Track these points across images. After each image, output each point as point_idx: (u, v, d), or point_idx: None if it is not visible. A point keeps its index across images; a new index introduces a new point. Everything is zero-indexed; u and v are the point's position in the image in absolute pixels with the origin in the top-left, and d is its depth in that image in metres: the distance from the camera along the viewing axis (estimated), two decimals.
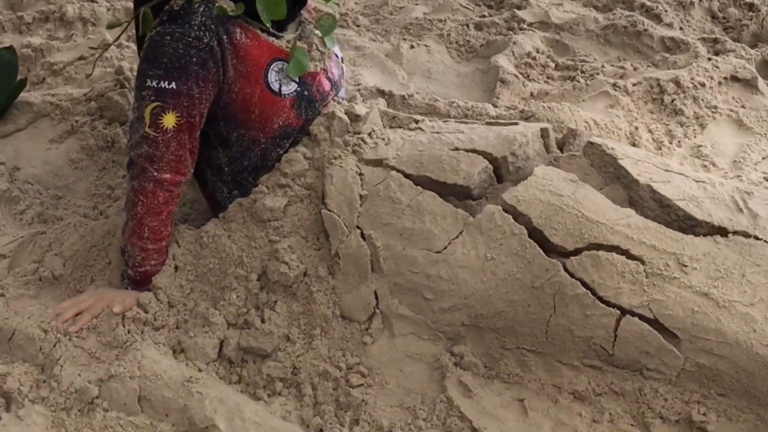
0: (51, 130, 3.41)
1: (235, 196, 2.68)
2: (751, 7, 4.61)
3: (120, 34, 2.67)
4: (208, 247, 2.57)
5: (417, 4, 4.83)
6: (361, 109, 2.76)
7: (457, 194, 2.53)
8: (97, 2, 4.57)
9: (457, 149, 2.57)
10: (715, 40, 4.28)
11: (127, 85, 3.49)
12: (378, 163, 2.60)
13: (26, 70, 3.90)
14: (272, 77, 2.54)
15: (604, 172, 2.60)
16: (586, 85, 3.82)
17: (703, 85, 3.70)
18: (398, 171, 2.55)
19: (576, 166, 2.62)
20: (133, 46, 3.97)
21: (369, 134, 2.65)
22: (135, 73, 2.53)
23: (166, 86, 2.38)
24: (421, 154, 2.59)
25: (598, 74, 3.92)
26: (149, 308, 2.48)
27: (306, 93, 2.64)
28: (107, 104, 3.43)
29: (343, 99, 2.88)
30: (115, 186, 3.13)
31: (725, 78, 3.80)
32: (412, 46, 4.23)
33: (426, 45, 4.29)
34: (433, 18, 4.56)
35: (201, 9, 2.41)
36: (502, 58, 3.96)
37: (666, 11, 4.54)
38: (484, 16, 4.62)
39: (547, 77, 4.01)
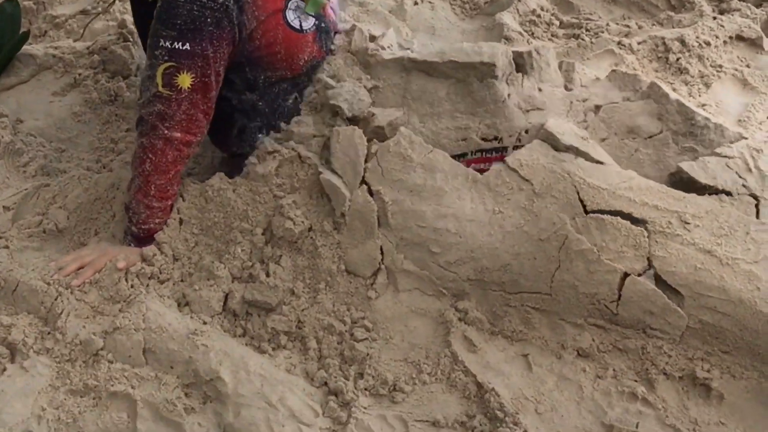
0: (54, 83, 3.39)
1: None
2: None
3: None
4: (213, 200, 2.56)
5: None
6: (377, 30, 2.78)
7: (482, 76, 2.57)
8: None
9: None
10: None
11: (131, 39, 3.48)
12: (399, 61, 2.64)
13: (28, 23, 3.88)
14: (291, 16, 2.56)
15: (633, 90, 2.63)
16: (591, 43, 3.79)
17: (708, 44, 3.67)
18: (420, 62, 2.61)
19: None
20: None
21: (388, 46, 2.66)
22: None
23: (180, 47, 2.38)
24: (442, 47, 2.63)
25: (602, 32, 3.90)
26: (154, 261, 2.48)
27: (323, 25, 2.68)
28: (110, 58, 3.41)
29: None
30: (119, 140, 3.12)
31: (730, 37, 3.77)
32: (416, 3, 4.20)
33: (430, 2, 4.25)
34: None
35: None
36: (506, 16, 3.94)
37: None
38: None
39: (552, 35, 3.98)
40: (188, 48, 2.38)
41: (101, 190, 2.70)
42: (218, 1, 2.38)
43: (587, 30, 3.95)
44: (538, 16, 4.07)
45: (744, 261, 2.26)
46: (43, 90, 3.36)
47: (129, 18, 3.65)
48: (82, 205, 2.68)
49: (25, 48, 3.46)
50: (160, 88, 2.41)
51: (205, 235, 2.55)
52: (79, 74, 3.40)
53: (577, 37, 3.91)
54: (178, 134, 2.45)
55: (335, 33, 2.77)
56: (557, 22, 4.07)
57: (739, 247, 2.29)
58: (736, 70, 3.60)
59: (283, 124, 2.65)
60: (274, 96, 2.63)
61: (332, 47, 2.74)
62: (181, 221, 2.57)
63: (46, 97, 3.33)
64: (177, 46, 2.38)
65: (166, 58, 2.39)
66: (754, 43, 3.79)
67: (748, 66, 3.67)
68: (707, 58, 3.63)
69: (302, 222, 2.49)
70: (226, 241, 2.53)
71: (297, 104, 2.67)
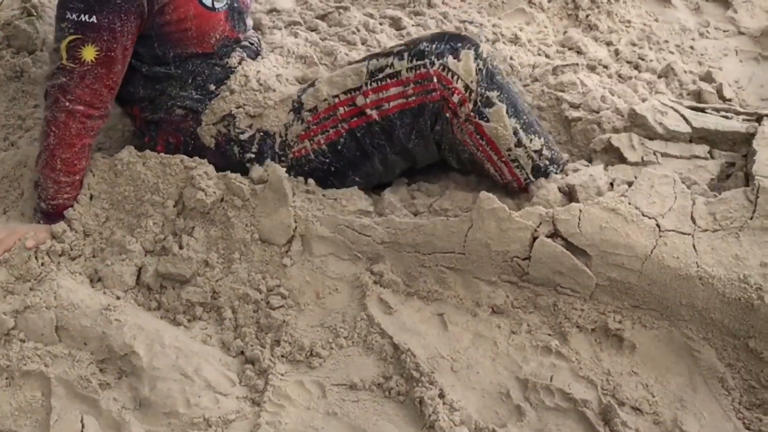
0: None
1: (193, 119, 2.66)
2: None
3: None
4: (123, 174, 2.54)
5: None
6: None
7: None
8: None
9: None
10: None
11: (34, 13, 3.41)
12: None
13: None
14: None
15: None
16: (503, 2, 3.81)
17: None
18: None
19: None
20: None
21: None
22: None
23: (86, 19, 2.36)
24: None
25: None
26: (64, 238, 2.45)
27: (236, 5, 2.67)
28: (14, 33, 3.35)
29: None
30: (26, 116, 3.07)
31: None
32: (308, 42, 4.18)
33: None
34: None
35: None
36: None
37: None
38: None
39: None
40: (95, 21, 2.36)
41: (8, 168, 2.67)
42: None
43: None
44: None
45: (649, 216, 2.29)
46: None
47: None
48: None
49: None
50: (64, 61, 2.39)
51: (116, 210, 2.53)
52: None
53: None
54: (81, 107, 2.43)
55: (247, 13, 2.77)
56: None
57: (644, 201, 2.32)
58: (645, 24, 3.63)
59: (212, 86, 2.65)
60: (185, 65, 2.61)
61: (244, 27, 2.73)
62: (91, 197, 2.54)
63: None
64: (83, 19, 2.36)
65: (71, 30, 2.37)
66: None
67: (656, 20, 3.71)
68: (616, 14, 3.67)
69: (214, 192, 2.48)
70: (137, 214, 2.51)
71: (222, 68, 2.67)
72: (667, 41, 3.55)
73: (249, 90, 2.64)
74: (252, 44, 2.80)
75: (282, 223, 2.46)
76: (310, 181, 2.58)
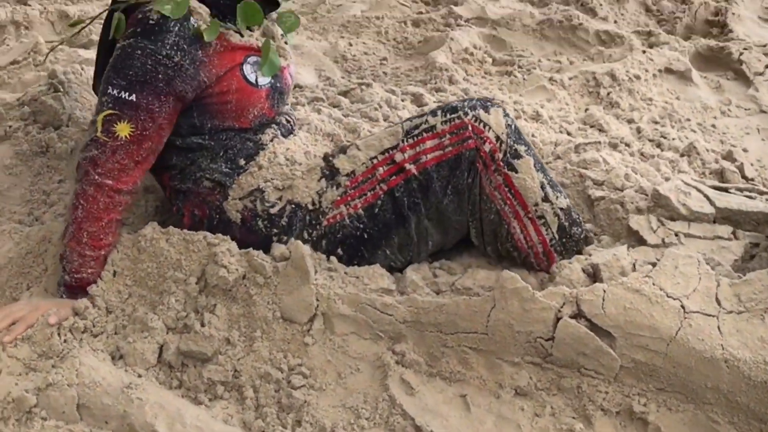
0: None
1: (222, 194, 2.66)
2: None
3: (73, 34, 2.68)
4: (146, 251, 2.54)
5: (354, 2, 4.83)
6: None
7: None
8: (29, 5, 4.53)
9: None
10: (650, 33, 4.32)
11: (61, 89, 3.45)
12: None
13: None
14: (248, 69, 2.60)
15: None
16: (524, 80, 3.83)
17: (638, 77, 3.73)
18: None
19: None
20: (68, 50, 3.92)
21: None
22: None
23: (126, 97, 2.41)
24: None
25: (534, 69, 3.94)
26: (86, 315, 2.45)
27: (278, 85, 2.70)
28: (41, 108, 3.39)
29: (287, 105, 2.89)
30: (50, 191, 3.09)
31: (659, 70, 3.83)
32: (350, 44, 4.22)
33: (364, 42, 4.28)
34: (371, 15, 4.57)
35: (176, 28, 2.45)
36: (440, 54, 3.97)
37: (600, 5, 4.58)
38: (421, 12, 4.63)
39: (485, 72, 4.02)
40: (133, 99, 2.41)
41: (33, 244, 2.67)
42: (174, 59, 2.42)
43: (519, 67, 4.00)
44: (471, 54, 4.11)
45: (673, 297, 2.27)
46: None
47: (59, 68, 3.62)
48: (13, 260, 2.64)
49: None
50: (99, 133, 2.43)
51: (138, 286, 2.53)
52: (10, 126, 3.37)
53: (509, 74, 3.95)
54: (110, 181, 2.44)
55: (288, 94, 2.81)
56: (490, 60, 4.11)
57: (668, 282, 2.30)
58: (666, 102, 3.64)
59: (242, 161, 2.66)
60: (219, 138, 2.63)
61: (282, 107, 2.77)
62: (114, 273, 2.54)
63: None
64: (123, 96, 2.41)
65: (110, 105, 2.42)
66: (683, 76, 3.85)
67: (678, 98, 3.72)
68: (638, 92, 3.68)
69: (236, 270, 2.48)
70: (159, 291, 2.51)
71: (254, 143, 2.68)
72: (689, 119, 3.55)
73: (276, 165, 2.65)
74: (288, 122, 2.82)
75: (304, 300, 2.45)
76: (333, 258, 2.57)
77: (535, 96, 3.66)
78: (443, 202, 2.59)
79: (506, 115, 2.57)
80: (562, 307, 2.29)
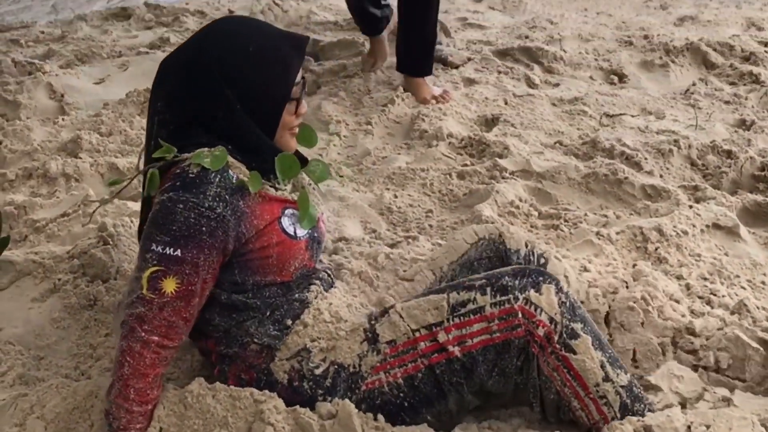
0: (33, 289, 3.39)
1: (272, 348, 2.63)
2: (729, 154, 4.66)
3: (120, 190, 2.73)
4: (193, 407, 2.52)
5: (399, 154, 4.88)
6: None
7: None
8: (80, 158, 4.61)
9: None
10: (696, 188, 4.32)
11: (110, 242, 3.49)
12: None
13: (9, 228, 3.90)
14: (286, 222, 2.61)
15: None
16: (570, 233, 3.83)
17: (685, 233, 3.71)
18: None
19: None
20: (117, 202, 3.98)
21: None
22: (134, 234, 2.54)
23: (171, 252, 2.41)
24: None
25: (581, 223, 3.94)
26: None
27: (316, 234, 2.71)
28: (90, 261, 3.42)
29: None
30: (97, 345, 3.10)
31: (707, 226, 3.82)
32: (395, 196, 4.26)
33: (409, 194, 4.31)
34: (416, 167, 4.60)
35: (217, 179, 2.48)
36: (485, 207, 3.98)
37: (646, 159, 4.59)
38: (466, 164, 4.66)
39: (531, 226, 4.02)
40: (179, 254, 2.41)
41: (79, 399, 2.66)
42: (216, 211, 2.43)
43: (566, 220, 4.00)
44: (517, 207, 4.12)
45: None
46: (22, 297, 3.36)
47: (109, 220, 3.67)
48: (60, 415, 2.62)
49: (5, 254, 3.47)
50: (144, 291, 2.42)
51: None
52: (59, 279, 3.40)
53: (556, 227, 3.95)
54: (156, 338, 2.43)
55: (324, 242, 2.83)
56: (536, 213, 4.12)
57: None
58: (715, 258, 3.62)
59: (289, 321, 2.64)
60: (264, 297, 2.62)
61: (320, 256, 2.79)
62: (160, 429, 2.52)
63: (25, 303, 3.32)
64: (168, 252, 2.41)
65: (155, 261, 2.42)
66: (731, 231, 3.83)
67: (726, 254, 3.70)
68: (686, 248, 3.66)
69: (283, 428, 2.45)
70: None
71: (300, 302, 2.67)
72: (738, 276, 3.52)
73: (321, 322, 2.64)
74: (328, 275, 2.82)
75: None
76: (380, 417, 2.54)
77: (583, 251, 3.65)
78: (488, 383, 2.56)
79: (559, 291, 2.53)
80: None
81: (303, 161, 2.79)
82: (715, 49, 6.44)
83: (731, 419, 2.36)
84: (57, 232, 3.81)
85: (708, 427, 2.37)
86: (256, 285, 2.61)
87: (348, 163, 4.77)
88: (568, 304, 2.52)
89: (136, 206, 3.98)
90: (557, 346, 2.48)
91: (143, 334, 2.42)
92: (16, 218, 3.98)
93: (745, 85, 5.97)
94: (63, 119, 5.27)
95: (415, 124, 5.17)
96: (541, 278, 2.54)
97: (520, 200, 4.17)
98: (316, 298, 2.69)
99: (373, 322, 2.65)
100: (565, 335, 2.48)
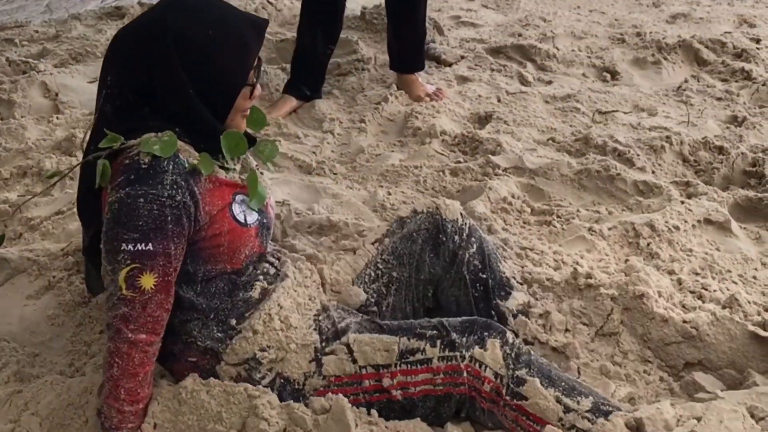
0: (28, 286, 3.40)
1: (219, 338, 2.63)
2: (721, 150, 4.68)
3: (55, 183, 2.69)
4: (187, 403, 2.54)
5: (393, 151, 4.89)
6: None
7: None
8: (75, 156, 4.62)
9: None
10: (687, 183, 4.33)
11: None
12: None
13: (3, 226, 3.91)
14: (236, 209, 2.60)
15: None
16: (563, 229, 3.84)
17: (677, 228, 3.73)
18: None
19: None
20: None
21: None
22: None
23: (143, 248, 2.38)
24: None
25: (573, 219, 3.95)
26: None
27: (265, 220, 2.70)
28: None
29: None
30: (92, 342, 3.11)
31: (699, 221, 3.84)
32: (389, 193, 4.27)
33: (402, 191, 4.32)
34: (409, 164, 4.61)
35: (170, 166, 2.44)
36: (478, 204, 3.99)
37: (638, 155, 4.60)
38: (459, 162, 4.67)
39: (524, 222, 4.03)
40: (151, 248, 2.39)
41: (74, 396, 2.67)
42: (176, 198, 2.41)
43: (558, 216, 4.01)
44: (510, 203, 4.13)
45: None
46: (16, 294, 3.37)
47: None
48: (54, 411, 2.64)
49: (0, 252, 3.48)
50: (124, 291, 2.40)
51: None
52: (54, 276, 3.41)
53: (548, 223, 3.97)
54: (143, 336, 2.44)
55: (272, 228, 2.83)
56: (528, 209, 4.13)
57: None
58: (707, 253, 3.64)
59: (233, 321, 2.63)
60: (211, 294, 2.62)
61: (268, 242, 2.79)
62: (155, 425, 2.53)
63: (20, 301, 3.33)
64: (140, 248, 2.38)
65: (128, 261, 2.39)
66: (723, 227, 3.85)
67: (717, 249, 3.72)
68: (677, 243, 3.68)
69: (277, 423, 2.47)
70: None
71: (245, 302, 2.66)
72: (729, 271, 3.54)
73: (272, 330, 2.64)
74: (273, 262, 2.81)
75: None
76: (373, 411, 2.56)
77: (575, 246, 3.67)
78: (426, 420, 2.61)
79: (504, 344, 2.57)
80: None
81: (251, 141, 2.76)
82: (707, 46, 6.47)
83: (721, 412, 2.37)
84: (52, 230, 3.82)
85: (699, 419, 2.39)
86: (206, 275, 2.60)
87: (342, 161, 4.78)
88: (513, 354, 2.55)
89: None
90: (507, 397, 2.51)
91: (129, 334, 2.42)
92: (11, 216, 3.97)
93: (736, 81, 6.00)
94: (57, 118, 5.27)
95: (408, 122, 5.19)
96: (486, 333, 2.58)
97: (513, 197, 4.18)
98: (262, 297, 2.69)
99: (323, 344, 2.67)
100: (512, 385, 2.51)
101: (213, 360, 2.64)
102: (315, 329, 2.69)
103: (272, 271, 2.77)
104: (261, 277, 2.72)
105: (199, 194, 2.50)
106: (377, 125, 5.26)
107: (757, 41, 6.69)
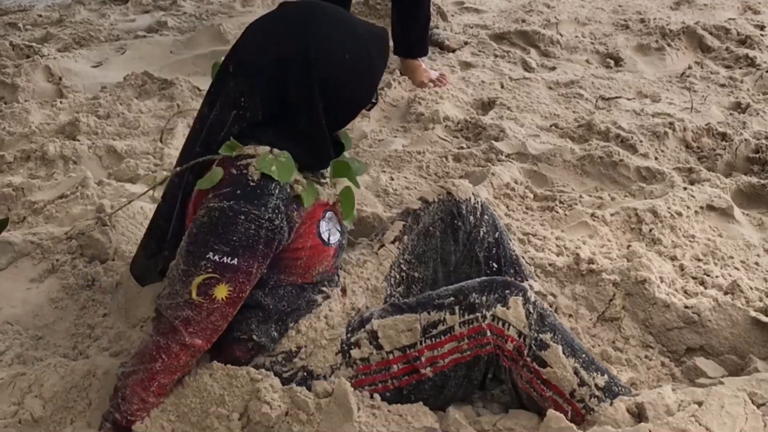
0: (31, 270, 3.40)
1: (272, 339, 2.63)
2: (724, 136, 4.68)
3: (160, 183, 2.75)
4: (190, 386, 2.54)
5: (396, 137, 4.89)
6: None
7: None
8: (78, 141, 4.62)
9: None
10: (690, 170, 4.34)
11: (108, 224, 3.49)
12: None
13: (7, 210, 3.92)
14: (323, 227, 2.59)
15: None
16: (565, 215, 3.85)
17: (680, 214, 3.73)
18: None
19: None
20: (115, 184, 4.00)
21: None
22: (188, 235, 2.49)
23: (228, 261, 2.37)
24: None
25: (576, 204, 3.96)
26: None
27: (343, 242, 2.70)
28: (88, 242, 3.43)
29: None
30: (95, 325, 3.11)
31: (701, 207, 3.84)
32: (392, 178, 4.27)
33: (405, 177, 4.32)
34: (412, 150, 4.61)
35: (276, 190, 2.42)
36: (481, 189, 3.99)
37: (641, 141, 4.61)
38: (462, 147, 4.67)
39: (526, 208, 4.04)
40: (235, 263, 2.38)
41: (77, 378, 2.67)
42: (274, 222, 2.40)
43: (561, 202, 4.02)
44: (512, 189, 4.13)
45: None
46: (20, 277, 3.37)
47: (107, 202, 3.69)
48: (58, 394, 2.64)
49: (3, 235, 3.47)
50: (194, 296, 2.39)
51: (181, 422, 2.51)
52: (57, 260, 3.41)
53: (551, 209, 3.97)
54: (199, 341, 2.43)
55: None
56: (531, 195, 4.13)
57: (714, 422, 2.28)
58: (709, 240, 3.64)
59: (291, 322, 2.64)
60: (279, 297, 2.60)
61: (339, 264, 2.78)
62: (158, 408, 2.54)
63: (23, 284, 3.33)
64: (225, 261, 2.37)
65: (209, 269, 2.38)
66: (725, 213, 3.85)
67: (720, 236, 3.72)
68: (679, 229, 3.68)
69: (279, 406, 2.47)
70: (202, 427, 2.49)
71: (307, 305, 2.66)
72: (732, 257, 3.55)
73: (312, 330, 2.65)
74: (336, 278, 2.80)
75: None
76: (376, 396, 2.56)
77: (577, 232, 3.68)
78: (457, 395, 2.63)
79: (526, 302, 2.54)
80: None
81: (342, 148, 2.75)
82: (711, 33, 6.46)
83: (723, 397, 2.38)
84: (55, 214, 3.82)
85: (700, 404, 2.39)
86: (277, 282, 2.59)
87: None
88: (536, 314, 2.52)
89: (135, 188, 4.00)
90: (528, 359, 2.49)
91: (187, 337, 2.41)
92: (14, 200, 3.98)
93: (740, 68, 5.99)
94: (61, 102, 5.28)
95: (411, 108, 5.19)
96: (507, 291, 2.55)
97: (516, 182, 4.19)
98: (321, 302, 2.70)
99: (349, 335, 2.65)
100: (534, 347, 2.49)
101: (255, 354, 2.63)
102: (345, 324, 2.70)
103: (334, 277, 2.77)
104: (326, 283, 2.71)
105: (297, 218, 2.49)
106: (380, 111, 5.26)
107: (762, 28, 6.69)
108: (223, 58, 2.57)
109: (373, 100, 2.66)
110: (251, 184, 2.41)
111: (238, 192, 2.40)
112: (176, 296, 2.42)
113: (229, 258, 2.37)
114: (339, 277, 2.81)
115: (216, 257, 2.37)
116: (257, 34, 2.57)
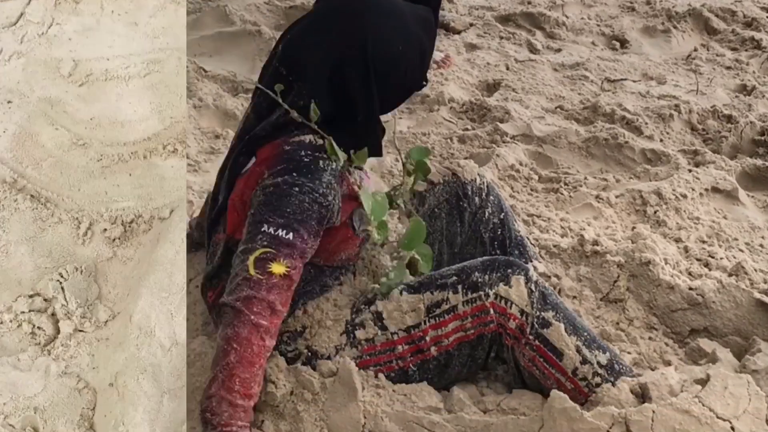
0: None
1: None
2: (729, 119, 4.68)
3: None
4: (194, 365, 2.55)
5: (401, 118, 4.88)
6: None
7: None
8: None
9: None
10: (695, 152, 4.34)
11: None
12: None
13: None
14: (356, 216, 2.59)
15: None
16: (570, 197, 3.86)
17: (684, 196, 3.74)
18: None
19: None
20: None
21: None
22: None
23: (283, 235, 2.35)
24: None
25: (581, 186, 3.96)
26: None
27: (368, 235, 2.67)
28: None
29: None
30: None
31: (706, 189, 3.84)
32: (397, 160, 4.27)
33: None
34: (418, 131, 4.62)
35: (329, 167, 2.44)
36: (486, 171, 3.99)
37: (646, 123, 4.61)
38: (467, 129, 4.67)
39: (531, 189, 4.04)
40: (290, 238, 2.35)
41: None
42: (328, 198, 2.41)
43: (566, 184, 4.02)
44: (517, 170, 4.14)
45: (723, 418, 2.25)
46: None
47: None
48: None
49: None
50: (251, 271, 2.33)
51: (189, 402, 2.53)
52: None
53: (556, 191, 3.98)
54: (264, 322, 2.32)
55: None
56: (536, 177, 4.14)
57: (718, 403, 2.29)
58: (714, 222, 3.64)
59: (301, 301, 2.62)
60: (301, 282, 2.54)
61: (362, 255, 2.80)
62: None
63: None
64: (280, 234, 2.35)
65: (265, 243, 2.34)
66: (730, 195, 3.86)
67: (725, 218, 3.72)
68: (684, 211, 3.68)
69: (284, 385, 2.48)
70: None
71: (321, 288, 2.67)
72: (736, 239, 3.55)
73: (318, 310, 2.65)
74: (353, 267, 2.81)
75: (351, 418, 2.44)
76: (381, 375, 2.57)
77: (582, 213, 3.68)
78: (461, 374, 2.64)
79: (528, 281, 2.54)
80: (611, 427, 2.28)
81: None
82: (717, 15, 6.45)
83: (726, 378, 2.38)
84: None
85: (703, 385, 2.40)
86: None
87: None
88: (538, 293, 2.53)
89: None
90: (530, 337, 2.50)
91: (252, 316, 2.30)
92: None
93: (746, 50, 5.98)
94: None
95: None
96: (509, 270, 2.55)
97: (521, 164, 4.19)
98: (336, 287, 2.71)
99: (354, 316, 2.64)
100: (537, 325, 2.50)
101: None
102: (350, 305, 2.70)
103: (351, 267, 2.78)
104: (343, 270, 2.73)
105: (345, 194, 2.51)
106: None
107: (767, 10, 6.66)
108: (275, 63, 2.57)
109: (423, 82, 2.67)
110: (305, 160, 2.43)
111: (291, 167, 2.41)
112: (236, 277, 2.37)
113: (284, 231, 2.35)
114: (355, 266, 2.81)
115: (271, 229, 2.35)
116: (308, 36, 2.56)
